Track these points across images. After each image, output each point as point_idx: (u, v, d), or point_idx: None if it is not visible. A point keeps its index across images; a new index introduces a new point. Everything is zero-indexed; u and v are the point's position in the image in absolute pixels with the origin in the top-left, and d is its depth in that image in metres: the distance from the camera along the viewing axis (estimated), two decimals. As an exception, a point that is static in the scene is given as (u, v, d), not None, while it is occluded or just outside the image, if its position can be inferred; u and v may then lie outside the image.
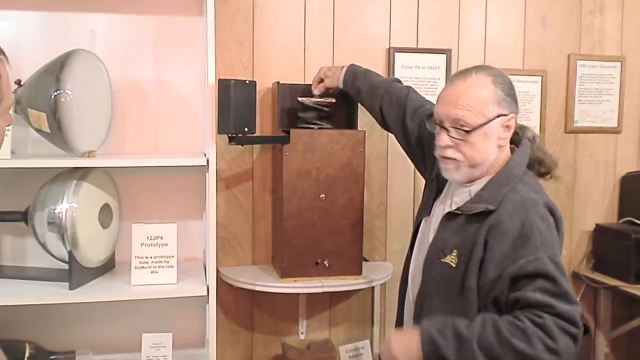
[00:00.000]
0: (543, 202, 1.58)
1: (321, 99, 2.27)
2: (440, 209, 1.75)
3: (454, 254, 1.60)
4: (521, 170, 1.66)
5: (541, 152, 1.76)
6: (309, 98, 2.27)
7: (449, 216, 1.67)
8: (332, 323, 2.56)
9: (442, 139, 1.64)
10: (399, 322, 1.91)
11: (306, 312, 2.50)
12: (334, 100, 2.28)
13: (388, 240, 2.58)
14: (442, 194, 1.80)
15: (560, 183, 2.70)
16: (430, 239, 1.71)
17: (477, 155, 1.62)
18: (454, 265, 1.60)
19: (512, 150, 1.71)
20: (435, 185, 1.82)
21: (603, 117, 2.80)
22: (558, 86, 2.73)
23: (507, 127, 1.64)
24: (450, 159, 1.64)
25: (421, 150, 2.01)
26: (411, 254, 1.86)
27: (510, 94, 1.65)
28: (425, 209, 1.83)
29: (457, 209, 1.65)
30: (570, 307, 1.44)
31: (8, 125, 1.22)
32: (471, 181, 1.67)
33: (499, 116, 1.61)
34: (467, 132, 1.60)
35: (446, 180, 1.76)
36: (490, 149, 1.63)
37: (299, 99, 2.26)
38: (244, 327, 2.47)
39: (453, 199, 1.71)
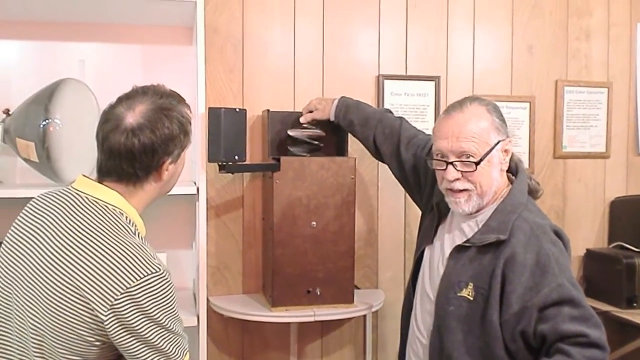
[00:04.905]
0: (550, 227, 1.61)
1: (311, 131, 2.26)
2: (448, 239, 1.73)
3: (470, 287, 1.59)
4: (524, 196, 1.68)
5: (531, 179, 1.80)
6: (300, 131, 2.26)
7: (459, 248, 1.65)
8: (324, 352, 2.52)
9: (450, 172, 1.64)
10: (402, 354, 1.88)
11: (297, 341, 2.47)
12: (323, 134, 2.28)
13: (379, 267, 2.56)
14: (447, 221, 1.78)
15: (550, 208, 2.72)
16: (441, 271, 1.68)
17: (485, 183, 1.64)
18: (471, 299, 1.59)
19: (508, 177, 1.74)
20: (437, 213, 1.81)
21: (591, 143, 2.82)
22: (546, 112, 2.75)
23: (506, 151, 1.68)
24: (461, 191, 1.65)
25: (416, 179, 2.01)
26: (413, 284, 1.84)
27: (503, 119, 1.69)
28: (427, 238, 1.81)
29: (467, 241, 1.64)
30: (600, 334, 1.49)
31: None
32: (477, 211, 1.68)
33: (499, 142, 1.65)
34: (475, 163, 1.61)
35: (449, 208, 1.75)
36: (495, 175, 1.66)
37: (289, 132, 2.25)
38: (235, 358, 2.43)
39: (462, 230, 1.70)
